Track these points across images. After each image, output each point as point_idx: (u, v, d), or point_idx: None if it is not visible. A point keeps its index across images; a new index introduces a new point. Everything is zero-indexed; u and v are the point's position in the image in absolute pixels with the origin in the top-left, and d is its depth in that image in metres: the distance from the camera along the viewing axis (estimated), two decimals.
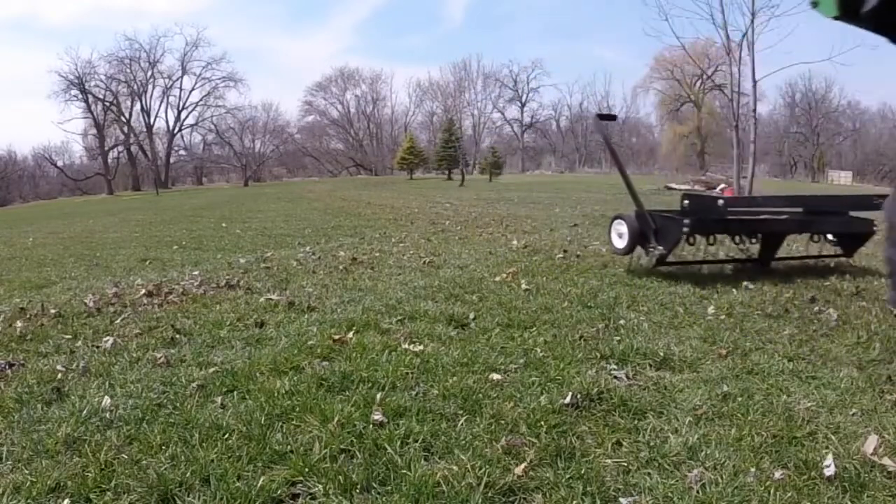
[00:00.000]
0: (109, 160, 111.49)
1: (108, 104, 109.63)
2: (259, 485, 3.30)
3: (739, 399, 4.50)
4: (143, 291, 8.24)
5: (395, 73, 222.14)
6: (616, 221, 9.69)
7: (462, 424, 4.05)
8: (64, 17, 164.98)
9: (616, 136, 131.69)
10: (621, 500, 3.23)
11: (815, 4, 5.13)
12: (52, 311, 7.26)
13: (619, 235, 9.51)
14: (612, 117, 12.53)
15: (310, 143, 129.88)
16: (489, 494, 3.23)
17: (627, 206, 9.65)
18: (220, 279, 9.06)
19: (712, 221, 9.38)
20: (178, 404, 4.34)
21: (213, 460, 3.56)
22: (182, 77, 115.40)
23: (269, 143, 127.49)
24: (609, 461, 3.61)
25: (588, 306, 7.19)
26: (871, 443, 3.70)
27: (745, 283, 8.39)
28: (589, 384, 4.69)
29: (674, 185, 52.48)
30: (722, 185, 45.35)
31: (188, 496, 3.21)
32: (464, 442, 3.82)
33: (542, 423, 4.06)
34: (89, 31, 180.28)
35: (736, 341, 5.93)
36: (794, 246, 10.32)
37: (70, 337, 6.12)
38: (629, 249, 9.40)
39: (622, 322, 6.51)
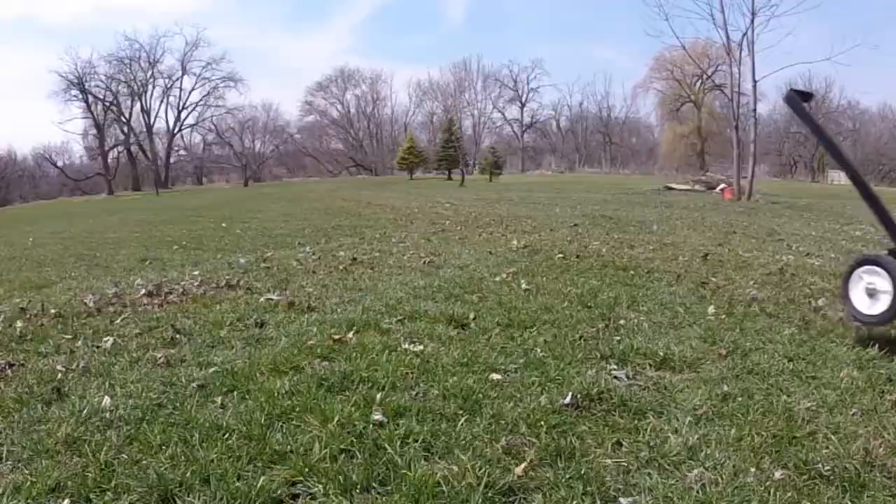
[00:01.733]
0: (109, 160, 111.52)
1: (108, 104, 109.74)
2: (259, 485, 3.31)
3: (739, 399, 4.52)
4: (144, 291, 8.25)
5: (395, 73, 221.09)
6: (865, 269, 6.07)
7: (462, 424, 4.06)
8: (64, 16, 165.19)
9: (616, 136, 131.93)
10: (621, 500, 3.25)
11: None
12: (52, 311, 7.27)
13: (871, 293, 5.92)
14: (809, 96, 8.24)
15: (310, 143, 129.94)
16: (489, 494, 3.25)
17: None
18: (220, 279, 9.06)
19: None
20: (178, 404, 4.36)
21: (213, 460, 3.58)
22: (182, 77, 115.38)
23: (269, 143, 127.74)
24: (609, 461, 3.63)
25: (588, 306, 7.20)
26: (870, 444, 3.72)
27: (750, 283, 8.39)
28: (589, 384, 4.72)
29: (674, 185, 52.46)
30: (722, 185, 45.31)
31: (188, 496, 3.23)
32: (464, 442, 3.84)
33: (542, 423, 4.08)
34: (89, 30, 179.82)
35: (736, 341, 5.95)
36: None
37: (70, 337, 6.14)
38: (892, 317, 5.77)
39: (622, 322, 6.52)
